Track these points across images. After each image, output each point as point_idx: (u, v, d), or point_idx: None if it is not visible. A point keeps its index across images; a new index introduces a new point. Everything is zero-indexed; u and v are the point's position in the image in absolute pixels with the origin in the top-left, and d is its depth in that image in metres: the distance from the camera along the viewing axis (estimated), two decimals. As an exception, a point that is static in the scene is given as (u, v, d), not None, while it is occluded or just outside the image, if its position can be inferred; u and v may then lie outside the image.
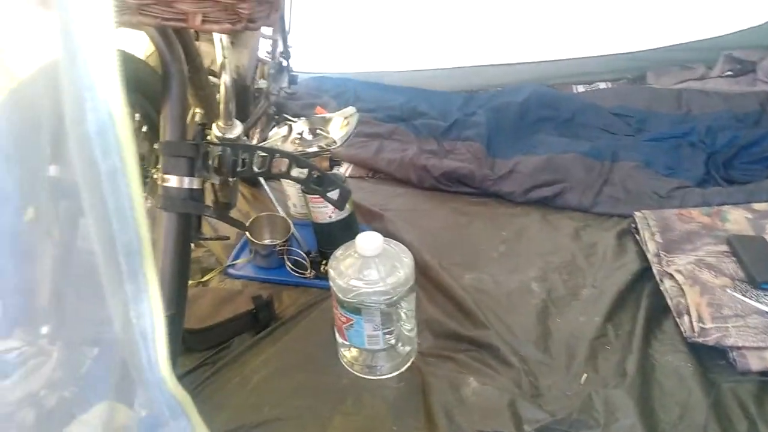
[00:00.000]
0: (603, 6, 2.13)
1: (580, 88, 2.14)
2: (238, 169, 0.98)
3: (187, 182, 0.91)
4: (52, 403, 0.61)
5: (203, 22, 0.73)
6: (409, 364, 1.07)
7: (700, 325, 1.02)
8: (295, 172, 1.05)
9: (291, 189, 1.54)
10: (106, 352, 0.58)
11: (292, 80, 1.84)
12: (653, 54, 2.15)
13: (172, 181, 0.90)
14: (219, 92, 1.00)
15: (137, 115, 1.06)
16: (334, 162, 1.57)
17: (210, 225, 1.46)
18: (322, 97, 2.13)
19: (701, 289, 1.08)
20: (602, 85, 2.13)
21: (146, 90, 1.02)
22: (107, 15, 0.36)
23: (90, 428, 0.56)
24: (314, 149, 1.33)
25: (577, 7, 2.13)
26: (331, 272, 1.00)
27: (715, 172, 1.53)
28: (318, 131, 1.50)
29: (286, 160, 1.03)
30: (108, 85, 0.38)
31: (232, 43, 1.18)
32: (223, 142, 0.99)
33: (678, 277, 1.12)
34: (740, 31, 2.08)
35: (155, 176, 1.06)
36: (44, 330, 0.62)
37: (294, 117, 1.80)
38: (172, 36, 0.88)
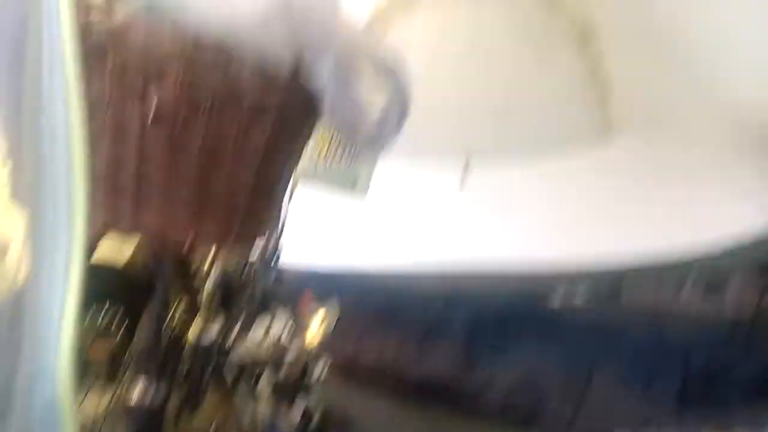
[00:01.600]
0: (581, 220, 2.26)
1: (555, 303, 2.18)
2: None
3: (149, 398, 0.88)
4: None
5: (193, 243, 0.77)
6: None
7: None
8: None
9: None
10: None
11: (278, 275, 1.89)
12: (629, 270, 2.23)
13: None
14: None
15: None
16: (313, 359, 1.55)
17: None
18: (308, 284, 2.17)
19: None
20: (577, 302, 2.19)
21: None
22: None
23: None
24: (290, 358, 1.32)
25: (554, 219, 2.27)
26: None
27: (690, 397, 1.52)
28: (295, 331, 1.50)
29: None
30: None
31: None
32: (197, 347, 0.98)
33: None
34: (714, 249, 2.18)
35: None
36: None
37: (279, 304, 1.81)
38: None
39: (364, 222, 2.21)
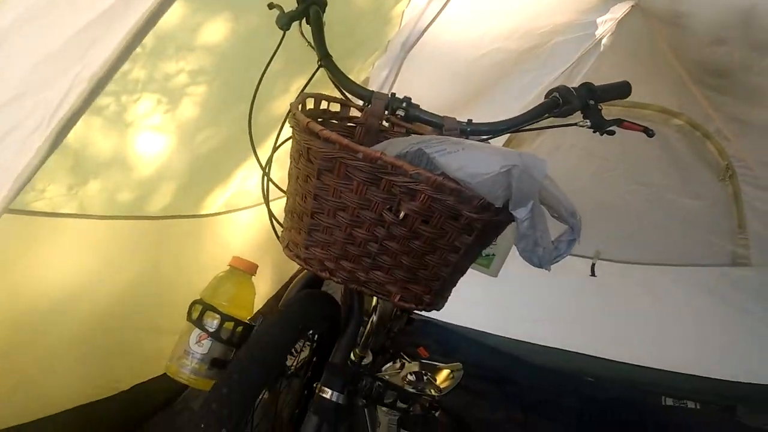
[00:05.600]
0: (705, 328, 2.35)
1: (668, 401, 2.28)
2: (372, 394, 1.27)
3: (336, 396, 1.20)
4: None
5: (399, 300, 1.10)
6: None
7: None
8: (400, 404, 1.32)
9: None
10: None
11: (409, 322, 2.20)
12: (745, 388, 2.28)
13: (327, 393, 1.20)
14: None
15: (311, 332, 1.42)
16: (434, 407, 1.82)
17: None
18: (427, 339, 2.46)
19: None
20: (690, 404, 2.26)
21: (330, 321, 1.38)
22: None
23: None
24: (418, 391, 1.61)
25: (680, 322, 2.38)
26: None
27: None
28: (426, 376, 1.79)
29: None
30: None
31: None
32: (362, 369, 1.31)
33: None
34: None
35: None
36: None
37: (405, 354, 2.12)
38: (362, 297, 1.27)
39: (499, 293, 2.47)
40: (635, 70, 2.32)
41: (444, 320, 2.62)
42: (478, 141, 1.22)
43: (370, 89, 1.29)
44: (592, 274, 2.42)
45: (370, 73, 2.33)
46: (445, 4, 2.14)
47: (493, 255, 1.86)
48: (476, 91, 2.43)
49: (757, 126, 2.20)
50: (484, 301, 2.37)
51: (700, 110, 2.33)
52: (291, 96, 1.46)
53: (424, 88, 2.33)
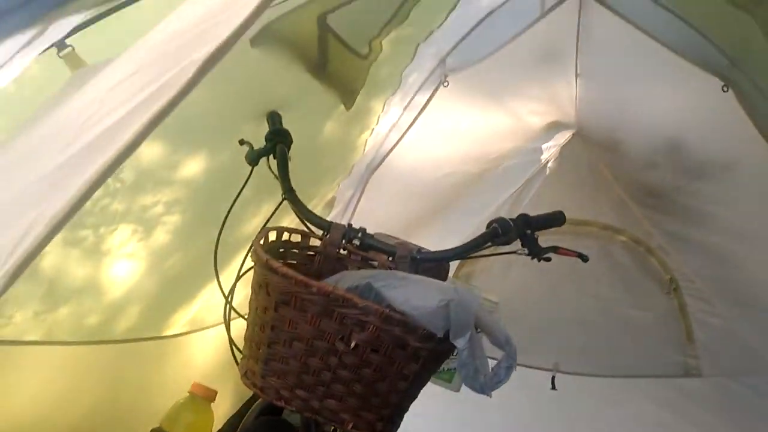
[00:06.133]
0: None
1: None
2: None
3: None
4: None
5: (352, 427, 1.15)
6: None
7: None
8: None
9: None
10: None
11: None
12: None
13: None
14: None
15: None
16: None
17: None
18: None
19: None
20: None
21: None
22: None
23: None
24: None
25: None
26: None
27: None
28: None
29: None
30: None
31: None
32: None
33: None
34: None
35: None
36: None
37: None
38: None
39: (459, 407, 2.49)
40: (579, 191, 2.53)
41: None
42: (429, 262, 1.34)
43: (329, 220, 1.41)
44: (553, 387, 2.47)
45: (336, 192, 2.49)
46: (405, 132, 2.36)
47: (454, 369, 1.91)
48: (435, 209, 2.60)
49: (693, 243, 2.38)
50: (445, 417, 2.40)
51: (641, 227, 2.53)
52: (261, 218, 1.56)
53: (387, 205, 2.50)
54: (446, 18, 2.00)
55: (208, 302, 2.07)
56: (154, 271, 1.69)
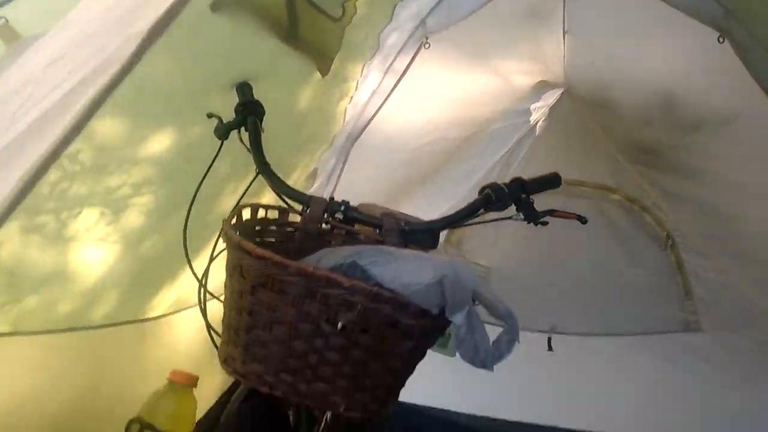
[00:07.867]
0: (667, 395, 2.36)
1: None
2: None
3: None
4: None
5: (344, 410, 1.08)
6: None
7: None
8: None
9: None
10: None
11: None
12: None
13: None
14: None
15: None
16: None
17: None
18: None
19: None
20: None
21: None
22: None
23: None
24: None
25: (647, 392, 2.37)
26: None
27: None
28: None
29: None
30: None
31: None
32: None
33: None
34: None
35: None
36: None
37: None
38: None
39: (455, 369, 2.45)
40: (570, 151, 2.45)
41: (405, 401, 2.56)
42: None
43: (308, 194, 1.32)
44: (549, 348, 2.44)
45: (317, 164, 2.39)
46: (387, 97, 2.25)
47: (449, 335, 1.86)
48: (422, 176, 2.51)
49: (689, 198, 2.32)
50: (438, 380, 2.35)
51: (636, 185, 2.46)
52: (239, 196, 1.47)
53: (371, 174, 2.40)
54: (424, -26, 1.89)
55: (191, 282, 1.99)
56: (130, 255, 1.60)
